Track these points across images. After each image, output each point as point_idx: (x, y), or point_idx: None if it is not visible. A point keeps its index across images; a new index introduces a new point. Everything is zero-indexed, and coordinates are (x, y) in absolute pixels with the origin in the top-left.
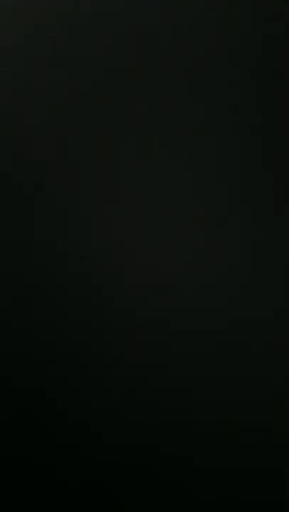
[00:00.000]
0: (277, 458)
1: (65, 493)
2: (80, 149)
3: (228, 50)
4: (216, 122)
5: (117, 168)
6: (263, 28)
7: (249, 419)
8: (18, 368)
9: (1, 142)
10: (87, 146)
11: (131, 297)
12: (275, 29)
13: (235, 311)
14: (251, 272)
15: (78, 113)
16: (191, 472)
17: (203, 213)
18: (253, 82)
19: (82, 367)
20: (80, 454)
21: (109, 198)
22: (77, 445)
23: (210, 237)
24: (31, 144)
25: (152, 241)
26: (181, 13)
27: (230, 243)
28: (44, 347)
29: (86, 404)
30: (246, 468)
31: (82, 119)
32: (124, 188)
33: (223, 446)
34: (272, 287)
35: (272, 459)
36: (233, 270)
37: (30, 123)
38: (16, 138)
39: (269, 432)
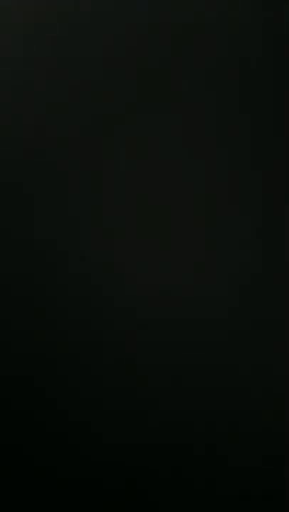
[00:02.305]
0: (277, 458)
1: (65, 493)
2: (80, 149)
3: (228, 50)
4: (216, 122)
5: (116, 168)
6: (263, 28)
7: (249, 420)
8: (18, 368)
9: (1, 142)
10: (87, 146)
11: (131, 297)
12: (275, 29)
13: (235, 310)
14: (251, 272)
15: (78, 113)
16: (191, 472)
17: (203, 213)
18: (253, 82)
19: (82, 367)
20: (80, 454)
21: (109, 197)
22: (77, 445)
23: (210, 237)
24: (31, 143)
25: (152, 241)
26: (181, 13)
27: (230, 242)
28: (44, 347)
29: (86, 404)
30: (246, 468)
31: (82, 119)
32: (124, 188)
33: (223, 446)
34: (272, 287)
35: (272, 459)
36: (232, 270)
37: (30, 123)
38: (16, 138)
39: (269, 432)
